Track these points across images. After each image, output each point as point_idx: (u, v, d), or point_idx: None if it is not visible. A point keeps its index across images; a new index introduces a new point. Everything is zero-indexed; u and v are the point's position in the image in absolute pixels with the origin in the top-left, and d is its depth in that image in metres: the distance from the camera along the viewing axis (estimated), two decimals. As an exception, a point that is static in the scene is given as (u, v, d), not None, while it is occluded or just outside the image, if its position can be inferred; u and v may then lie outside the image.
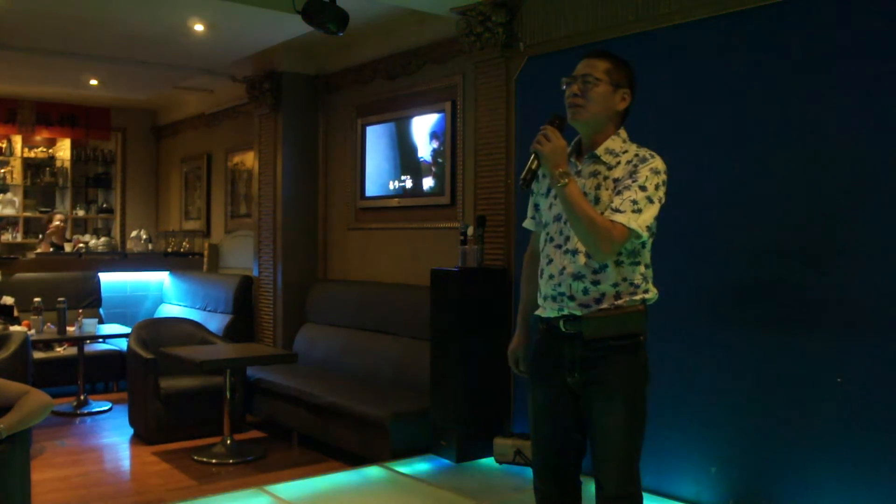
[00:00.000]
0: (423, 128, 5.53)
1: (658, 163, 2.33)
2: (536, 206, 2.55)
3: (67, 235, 9.11)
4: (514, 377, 4.53)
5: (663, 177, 2.32)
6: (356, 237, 6.23)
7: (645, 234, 2.26)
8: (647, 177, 2.28)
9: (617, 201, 2.27)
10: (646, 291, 2.38)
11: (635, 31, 3.90)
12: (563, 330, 2.36)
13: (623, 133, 2.43)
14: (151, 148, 9.74)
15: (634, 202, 2.24)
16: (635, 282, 2.35)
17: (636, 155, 2.35)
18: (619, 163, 2.36)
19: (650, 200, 2.27)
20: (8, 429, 2.92)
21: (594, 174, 2.37)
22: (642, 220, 2.24)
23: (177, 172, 9.11)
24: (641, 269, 2.37)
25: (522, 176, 2.31)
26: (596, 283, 2.32)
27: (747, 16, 3.46)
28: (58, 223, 8.51)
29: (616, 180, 2.32)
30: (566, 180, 2.20)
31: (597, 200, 2.32)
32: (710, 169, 3.58)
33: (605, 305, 2.32)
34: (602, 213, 2.26)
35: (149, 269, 7.95)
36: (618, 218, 2.23)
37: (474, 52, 4.74)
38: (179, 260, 8.12)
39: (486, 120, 4.74)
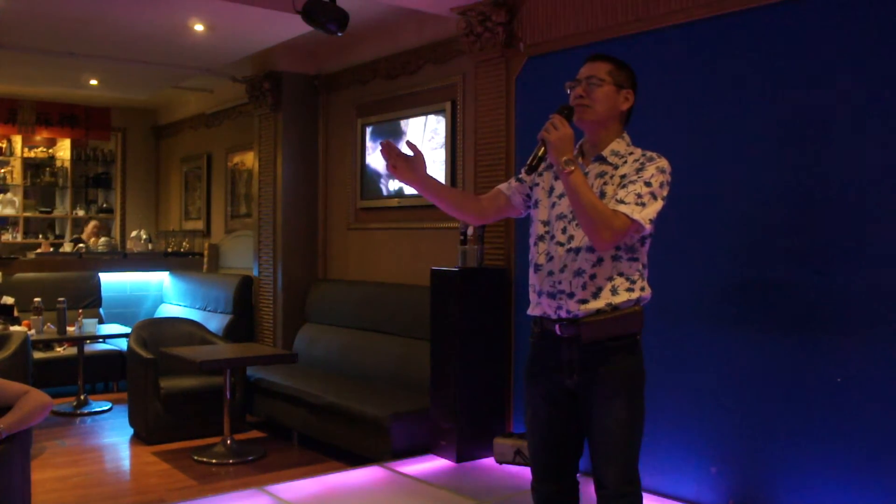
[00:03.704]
0: (424, 127, 5.53)
1: (664, 163, 2.36)
2: (521, 181, 2.57)
3: (67, 237, 9.14)
4: (513, 377, 4.53)
5: (668, 177, 2.35)
6: (356, 237, 6.23)
7: (648, 227, 2.28)
8: (653, 174, 2.31)
9: (622, 194, 2.29)
10: (642, 289, 2.39)
11: (635, 31, 3.90)
12: (560, 334, 2.37)
13: (627, 137, 2.46)
14: (151, 148, 9.74)
15: (639, 195, 2.27)
16: (632, 277, 2.37)
17: (643, 154, 2.39)
18: (625, 163, 2.38)
19: (654, 196, 2.28)
20: (8, 429, 2.92)
21: (601, 175, 2.40)
22: (645, 213, 2.26)
23: (177, 172, 9.11)
24: (639, 266, 2.39)
25: (529, 161, 2.33)
26: (593, 276, 2.34)
27: (747, 16, 3.46)
28: (93, 226, 8.62)
29: (622, 176, 2.35)
30: (571, 167, 2.22)
31: (602, 195, 2.34)
32: (711, 168, 3.58)
33: (601, 305, 2.33)
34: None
35: (149, 269, 7.95)
36: (621, 208, 2.25)
37: (474, 52, 4.74)
38: (179, 260, 8.11)
39: (486, 120, 4.74)
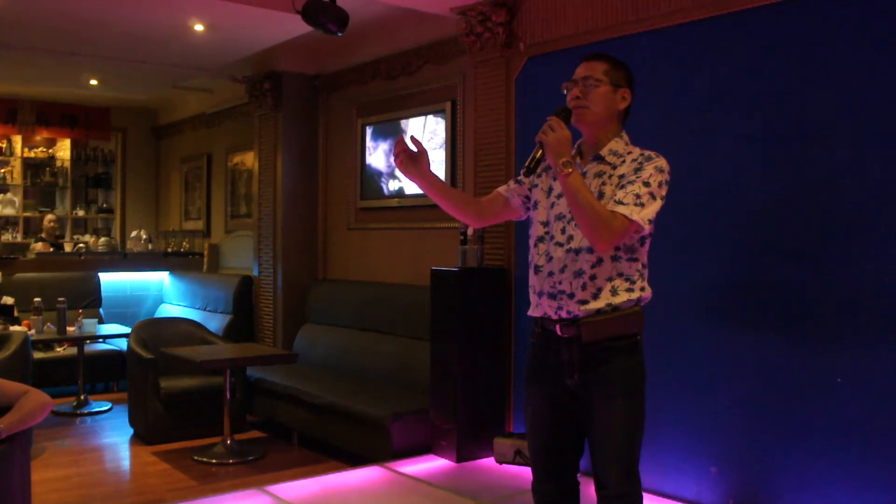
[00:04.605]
0: (423, 128, 5.52)
1: (663, 162, 2.35)
2: (519, 183, 2.58)
3: (67, 237, 9.12)
4: (513, 377, 4.53)
5: (666, 176, 2.34)
6: (356, 237, 6.23)
7: (647, 227, 2.27)
8: (651, 173, 2.30)
9: (620, 194, 2.28)
10: (642, 289, 2.39)
11: (635, 31, 3.90)
12: (561, 334, 2.37)
13: (625, 136, 2.46)
14: (151, 148, 9.74)
15: (637, 196, 2.26)
16: (632, 278, 2.37)
17: (641, 154, 2.38)
18: (623, 162, 2.38)
19: (653, 196, 2.28)
20: (8, 429, 2.92)
21: (599, 174, 2.39)
22: (644, 214, 2.25)
23: (177, 172, 9.11)
24: (638, 266, 2.39)
25: (526, 164, 2.34)
26: (593, 277, 2.34)
27: (747, 16, 3.46)
28: (50, 223, 8.54)
29: (621, 176, 2.35)
30: (569, 169, 2.22)
31: (601, 196, 2.34)
32: (711, 169, 3.58)
33: (601, 305, 2.33)
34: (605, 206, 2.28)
35: (149, 269, 7.95)
36: (620, 209, 2.24)
37: (474, 52, 4.75)
38: (179, 260, 8.11)
39: (486, 120, 4.74)
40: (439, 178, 2.57)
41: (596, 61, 2.43)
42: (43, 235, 8.42)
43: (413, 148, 2.46)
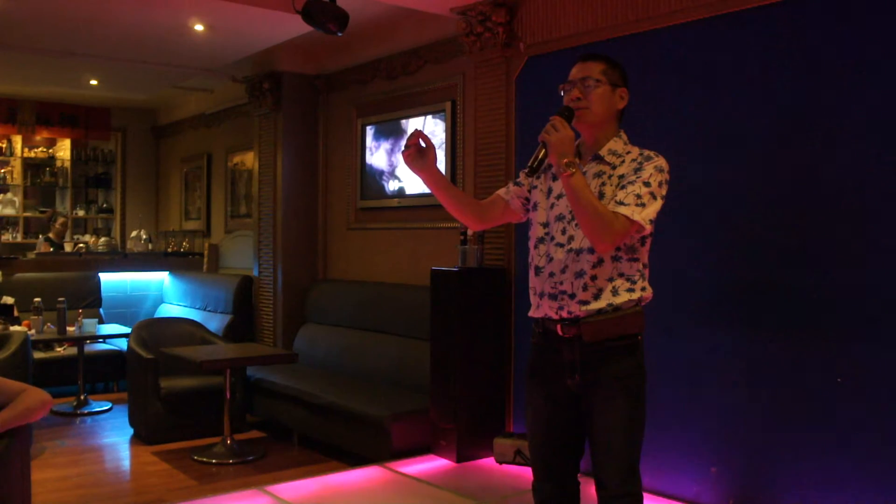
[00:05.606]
0: (423, 128, 5.52)
1: (662, 162, 2.36)
2: (519, 185, 2.59)
3: (67, 237, 9.12)
4: (513, 377, 4.53)
5: (666, 176, 2.35)
6: (356, 237, 6.23)
7: (648, 227, 2.28)
8: (651, 173, 2.31)
9: (621, 195, 2.29)
10: (643, 289, 2.39)
11: (636, 31, 3.90)
12: (562, 334, 2.37)
13: (624, 136, 2.46)
14: (151, 148, 9.73)
15: (638, 196, 2.27)
16: (633, 278, 2.37)
17: (641, 153, 2.39)
18: (622, 162, 2.38)
19: (653, 196, 2.29)
20: (3, 424, 2.91)
21: (598, 174, 2.40)
22: (645, 214, 2.26)
23: (177, 172, 9.11)
24: (639, 266, 2.39)
25: (529, 163, 2.33)
26: (594, 277, 2.34)
27: (748, 16, 3.46)
28: (60, 225, 8.55)
29: (620, 176, 2.35)
30: (572, 170, 2.22)
31: (601, 196, 2.34)
32: (711, 168, 3.58)
33: (603, 305, 2.33)
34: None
35: (149, 269, 7.95)
36: (621, 210, 2.25)
37: (474, 52, 4.75)
38: (179, 260, 8.11)
39: (486, 120, 4.74)
40: (444, 176, 2.57)
41: (592, 61, 2.43)
42: (51, 235, 8.43)
43: (421, 143, 2.46)
